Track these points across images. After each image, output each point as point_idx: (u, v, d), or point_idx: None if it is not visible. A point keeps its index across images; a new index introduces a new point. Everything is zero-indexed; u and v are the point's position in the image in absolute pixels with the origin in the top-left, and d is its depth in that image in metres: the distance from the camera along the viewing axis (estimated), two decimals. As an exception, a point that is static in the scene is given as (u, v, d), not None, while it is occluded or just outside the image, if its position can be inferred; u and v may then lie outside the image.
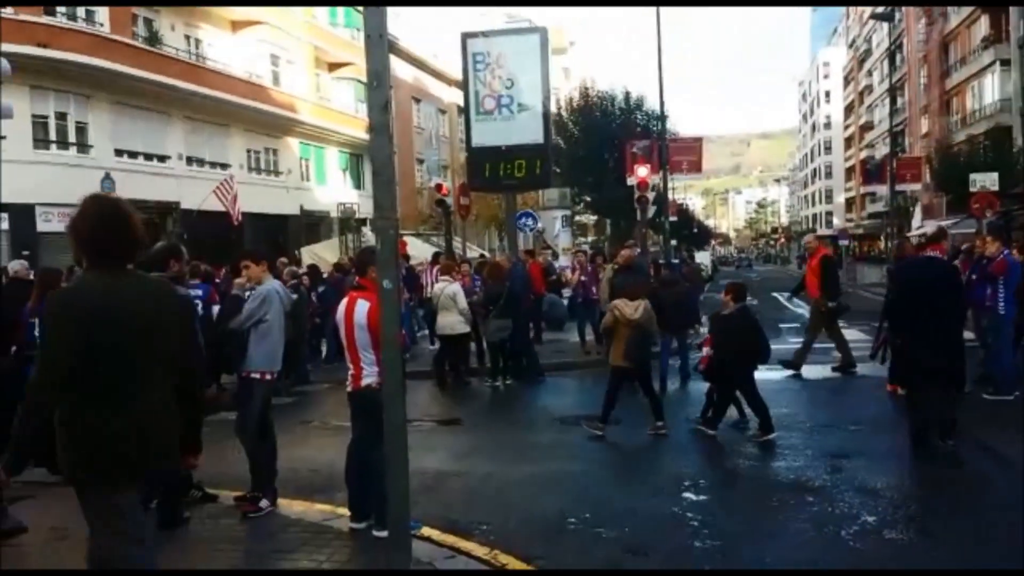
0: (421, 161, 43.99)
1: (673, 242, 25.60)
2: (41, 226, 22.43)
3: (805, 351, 12.72)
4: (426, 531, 5.69)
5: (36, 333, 7.39)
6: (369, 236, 31.50)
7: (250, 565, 5.26)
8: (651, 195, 21.54)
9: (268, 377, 6.44)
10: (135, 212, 3.53)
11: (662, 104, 25.09)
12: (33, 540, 5.77)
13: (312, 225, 34.41)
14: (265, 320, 6.35)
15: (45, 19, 22.53)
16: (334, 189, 36.36)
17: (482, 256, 26.51)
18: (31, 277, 8.70)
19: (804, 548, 5.50)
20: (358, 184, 39.48)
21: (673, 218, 30.27)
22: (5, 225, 20.75)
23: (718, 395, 9.04)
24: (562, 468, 7.99)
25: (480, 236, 40.44)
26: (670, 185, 27.69)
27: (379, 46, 4.49)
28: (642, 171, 21.08)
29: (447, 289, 12.38)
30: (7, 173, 19.62)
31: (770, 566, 5.19)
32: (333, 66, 37.54)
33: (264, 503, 6.27)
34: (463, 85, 16.21)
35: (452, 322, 12.36)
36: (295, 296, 10.24)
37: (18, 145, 20.71)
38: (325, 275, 16.81)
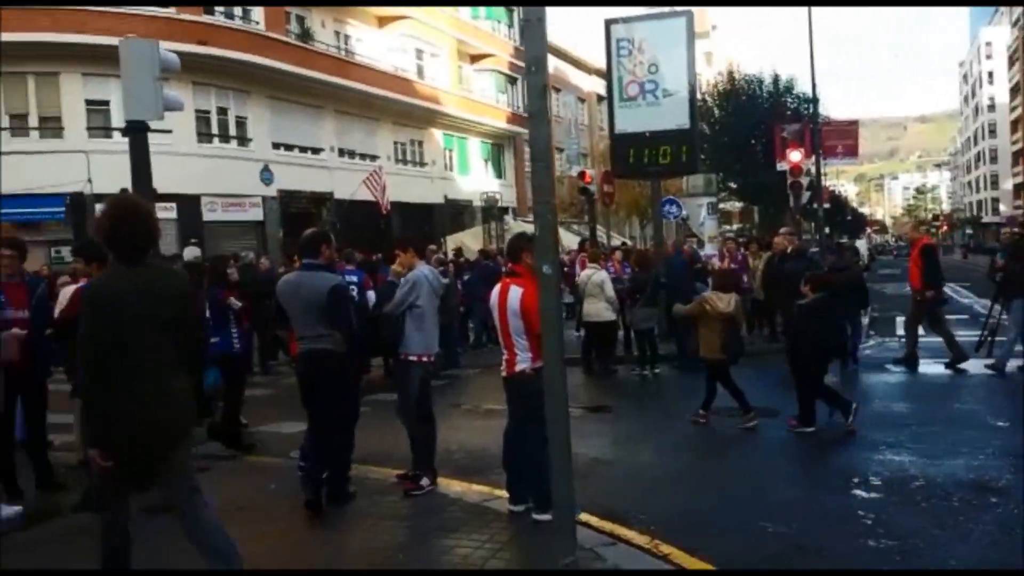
0: (560, 150, 43.94)
1: (826, 230, 24.51)
2: (206, 215, 23.82)
3: (911, 344, 12.13)
4: (584, 516, 5.64)
5: (208, 315, 7.85)
6: (512, 224, 31.81)
7: (413, 541, 5.36)
8: (804, 181, 20.70)
9: (425, 360, 6.55)
10: (152, 210, 4.03)
11: (814, 86, 24.03)
12: (211, 510, 6.08)
13: (456, 214, 35.07)
14: (417, 305, 6.46)
15: (205, 18, 23.81)
16: (477, 179, 36.91)
17: (624, 244, 26.24)
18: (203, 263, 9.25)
19: (992, 551, 5.11)
20: (499, 174, 39.94)
21: (826, 205, 29.00)
22: (174, 214, 22.13)
23: (801, 390, 8.57)
24: (717, 459, 7.79)
25: (622, 224, 40.07)
26: (823, 170, 26.53)
27: (538, 30, 4.44)
28: (795, 156, 20.30)
29: (594, 277, 12.32)
30: (174, 165, 20.95)
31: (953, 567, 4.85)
32: (475, 58, 38.05)
33: (424, 482, 6.39)
34: (606, 72, 16.06)
35: (598, 309, 12.29)
36: (446, 281, 10.45)
37: (183, 139, 22.07)
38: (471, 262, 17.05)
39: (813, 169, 22.21)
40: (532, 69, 4.42)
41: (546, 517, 5.27)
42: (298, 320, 5.97)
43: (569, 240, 26.31)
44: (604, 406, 10.36)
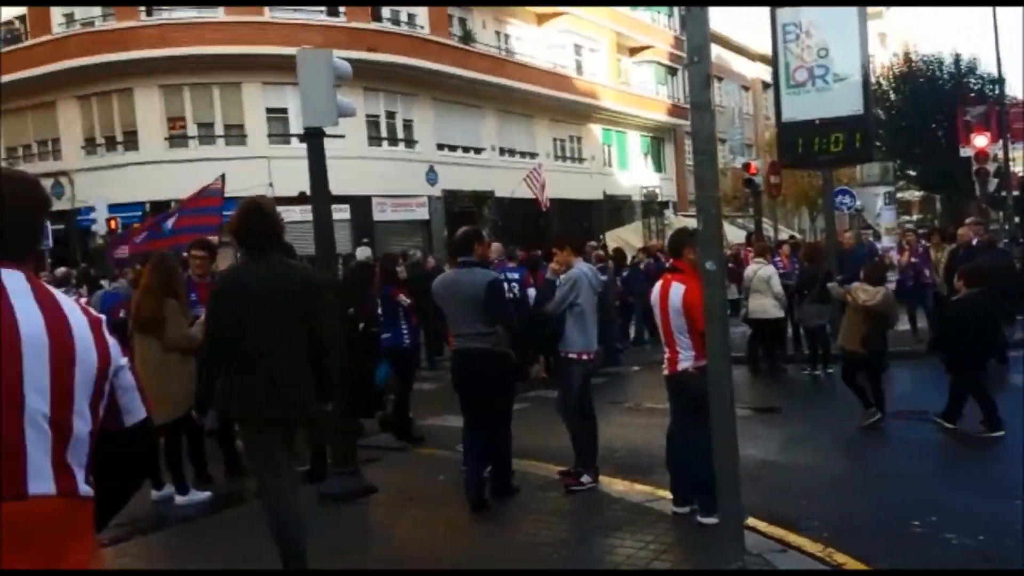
0: (723, 141, 42.76)
1: (1016, 219, 22.65)
2: (376, 215, 24.84)
3: None
4: (752, 521, 5.47)
5: (379, 311, 8.17)
6: (672, 219, 31.27)
7: (575, 539, 5.38)
8: (991, 167, 19.20)
9: (586, 357, 6.55)
10: (275, 211, 4.57)
11: (999, 65, 22.25)
12: (383, 499, 6.34)
13: (615, 209, 34.87)
14: (577, 304, 6.46)
15: (374, 25, 24.80)
16: (636, 173, 36.55)
17: (792, 237, 25.24)
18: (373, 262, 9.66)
19: None
20: (659, 167, 39.37)
21: (1015, 192, 26.80)
22: (347, 215, 23.18)
23: (953, 386, 8.08)
24: (895, 464, 7.36)
25: (790, 216, 38.61)
26: (1011, 155, 24.54)
27: (700, 18, 4.34)
28: (980, 140, 18.88)
29: (760, 272, 11.90)
30: (347, 168, 21.92)
31: None
32: (634, 50, 37.68)
33: (585, 478, 6.40)
34: (772, 58, 15.45)
35: (765, 305, 11.85)
36: (604, 278, 10.41)
37: (355, 142, 23.05)
38: (631, 259, 16.90)
39: (1000, 154, 20.57)
40: (694, 59, 4.33)
41: (712, 520, 5.15)
42: (455, 318, 6.02)
43: (733, 234, 25.59)
44: (772, 407, 10.01)
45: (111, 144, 24.41)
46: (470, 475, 6.03)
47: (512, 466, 6.32)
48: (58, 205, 23.62)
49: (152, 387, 6.00)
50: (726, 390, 4.39)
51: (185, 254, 7.89)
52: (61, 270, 14.12)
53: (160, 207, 22.92)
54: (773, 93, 15.62)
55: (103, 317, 2.12)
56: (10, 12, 25.76)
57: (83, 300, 8.78)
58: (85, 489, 1.96)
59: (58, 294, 2.05)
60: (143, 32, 22.90)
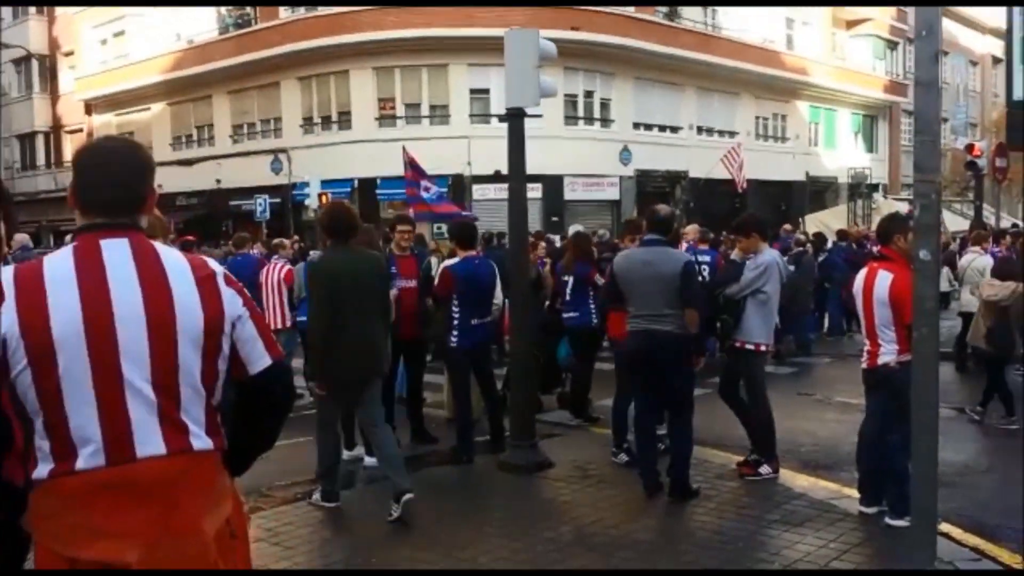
0: (945, 120, 39.63)
1: None
2: (568, 195, 25.06)
3: None
4: (945, 527, 5.13)
5: (569, 291, 8.24)
6: (880, 202, 29.38)
7: (752, 531, 5.24)
8: None
9: (764, 348, 6.36)
10: (352, 209, 6.12)
11: None
12: (559, 474, 6.47)
13: (818, 192, 33.24)
14: (763, 291, 6.21)
15: (578, 4, 24.82)
16: (844, 153, 34.57)
17: (1015, 226, 23.01)
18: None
19: None
20: (871, 148, 37.07)
21: None
22: (539, 194, 23.54)
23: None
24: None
25: (1015, 204, 35.25)
26: None
27: (931, -8, 4.04)
28: None
29: (976, 262, 10.95)
30: (543, 148, 22.14)
31: None
32: (851, 23, 35.54)
33: (765, 469, 6.23)
34: (1006, 32, 14.10)
35: (975, 299, 10.94)
36: (792, 268, 9.98)
37: (551, 122, 23.23)
38: (831, 244, 16.05)
39: None
40: (923, 33, 4.04)
41: (901, 523, 4.87)
42: (639, 298, 5.79)
43: (950, 220, 23.70)
44: (977, 408, 9.25)
45: (326, 123, 26.05)
46: (644, 460, 5.98)
47: (690, 462, 6.09)
48: (276, 180, 25.59)
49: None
50: (932, 395, 4.10)
51: (388, 229, 8.30)
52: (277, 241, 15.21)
53: (367, 183, 24.34)
54: (1004, 68, 14.28)
55: (217, 270, 2.15)
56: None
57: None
58: (202, 443, 2.05)
59: (166, 256, 2.09)
60: (361, 16, 24.18)
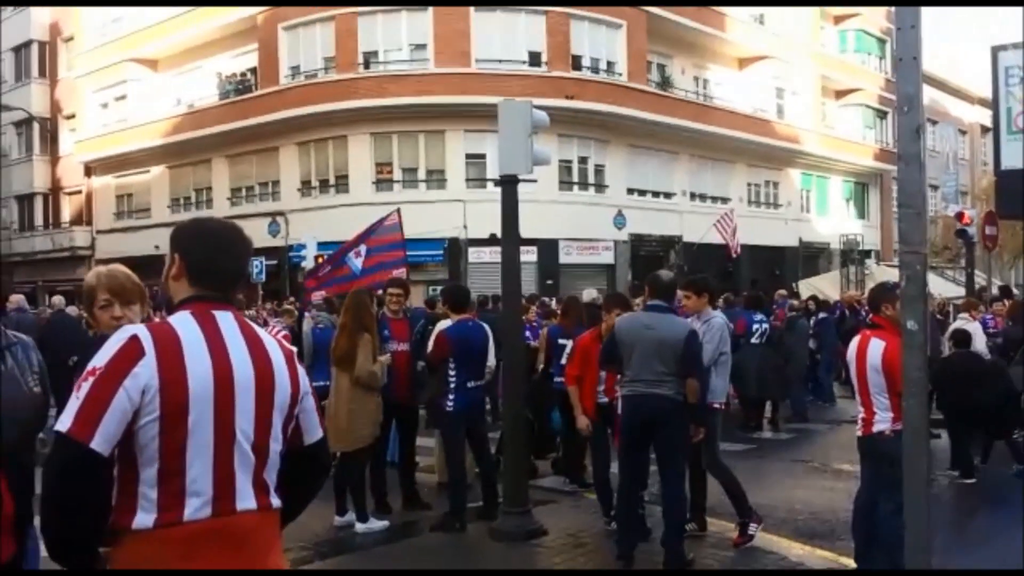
0: (935, 188, 40.20)
1: None
2: (563, 258, 25.20)
3: None
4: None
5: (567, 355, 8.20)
6: (873, 268, 29.62)
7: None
8: None
9: (718, 406, 6.46)
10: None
11: None
12: (552, 542, 6.37)
13: (811, 257, 33.48)
14: (724, 352, 6.40)
15: (573, 74, 25.37)
16: (836, 220, 34.95)
17: (1002, 288, 23.14)
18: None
19: None
20: (862, 214, 37.49)
21: None
22: (534, 257, 23.68)
23: None
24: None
25: (1005, 270, 35.56)
26: None
27: (912, 69, 4.13)
28: None
29: (964, 328, 11.02)
30: (537, 212, 22.40)
31: None
32: (840, 93, 36.26)
33: (753, 527, 6.21)
34: (992, 102, 14.45)
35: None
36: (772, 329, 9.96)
37: (546, 187, 23.52)
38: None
39: None
40: (904, 109, 4.13)
41: (897, 593, 4.80)
42: (638, 362, 5.73)
43: (942, 287, 23.85)
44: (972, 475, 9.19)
45: (324, 187, 26.30)
46: (623, 527, 5.90)
47: (685, 532, 6.03)
48: (273, 242, 25.71)
49: (343, 417, 6.48)
50: (923, 466, 4.08)
51: (381, 291, 8.32)
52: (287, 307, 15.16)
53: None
54: (992, 138, 14.56)
55: (295, 350, 2.42)
56: (241, 64, 28.50)
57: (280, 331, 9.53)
58: (276, 502, 2.26)
59: (258, 330, 2.31)
60: (360, 83, 24.62)
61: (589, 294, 15.37)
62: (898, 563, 4.74)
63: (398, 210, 12.94)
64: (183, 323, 2.18)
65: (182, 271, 2.28)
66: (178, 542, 2.06)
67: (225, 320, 2.23)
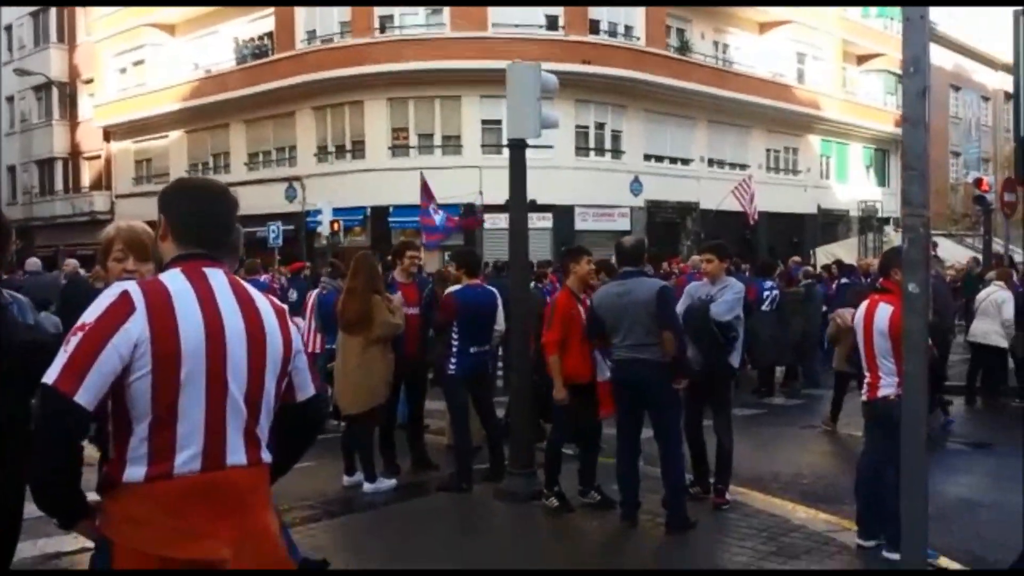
0: (957, 154, 39.63)
1: None
2: (579, 224, 25.13)
3: None
4: (943, 561, 5.09)
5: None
6: (892, 235, 29.31)
7: (753, 563, 5.21)
8: None
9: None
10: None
11: None
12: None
13: (829, 224, 33.22)
14: (739, 315, 6.37)
15: (590, 38, 25.12)
16: (855, 187, 34.62)
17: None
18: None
19: None
20: (882, 181, 37.08)
21: None
22: (549, 223, 23.65)
23: None
24: None
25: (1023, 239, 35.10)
26: None
27: (918, 29, 4.07)
28: None
29: (995, 295, 10.98)
30: (553, 178, 22.37)
31: None
32: (862, 59, 35.73)
33: (727, 495, 6.30)
34: (1013, 68, 14.15)
35: (987, 331, 10.90)
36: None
37: (562, 153, 23.46)
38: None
39: None
40: (911, 70, 4.08)
41: (897, 556, 4.83)
42: (619, 328, 5.80)
43: (961, 253, 23.58)
44: (986, 442, 9.19)
45: (340, 152, 26.31)
46: (626, 491, 5.93)
47: (687, 493, 6.09)
48: (290, 207, 25.81)
49: (355, 378, 6.54)
50: (920, 425, 4.10)
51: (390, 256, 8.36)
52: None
53: (380, 211, 24.54)
54: (1013, 105, 14.32)
55: (286, 307, 2.41)
56: (258, 29, 28.43)
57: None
58: (267, 456, 2.27)
59: (251, 290, 2.33)
60: (376, 48, 24.52)
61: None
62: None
63: (421, 173, 13.28)
64: (173, 279, 2.19)
65: (167, 231, 2.31)
66: (168, 497, 2.07)
67: (216, 277, 2.24)
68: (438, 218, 16.69)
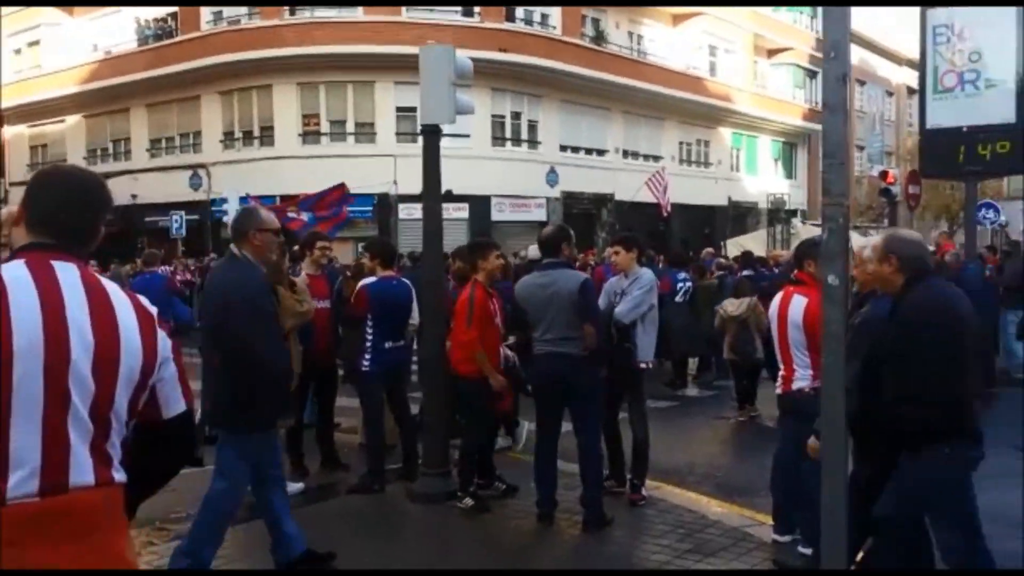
0: (861, 148, 41.03)
1: None
2: (495, 215, 24.98)
3: None
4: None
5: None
6: (799, 228, 30.09)
7: (669, 561, 5.12)
8: None
9: (644, 366, 6.34)
10: None
11: None
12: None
13: (739, 216, 33.92)
14: (652, 306, 6.26)
15: (507, 25, 24.94)
16: (764, 179, 35.44)
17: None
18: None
19: None
20: (790, 174, 38.07)
21: None
22: (465, 214, 23.41)
23: None
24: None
25: (927, 230, 36.57)
26: None
27: (839, 14, 4.01)
28: None
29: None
30: (469, 168, 22.14)
31: None
32: (772, 52, 36.55)
33: (643, 491, 6.22)
34: (919, 62, 14.60)
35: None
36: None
37: (479, 142, 23.24)
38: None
39: None
40: (831, 55, 4.00)
41: (811, 551, 4.80)
42: (542, 321, 5.67)
43: (862, 245, 24.33)
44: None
45: (248, 139, 25.49)
46: (543, 488, 5.80)
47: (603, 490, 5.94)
48: (194, 196, 24.92)
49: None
50: (839, 417, 4.04)
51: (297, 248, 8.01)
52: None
53: (289, 201, 23.83)
54: (919, 98, 14.75)
55: (155, 311, 2.14)
56: (162, 9, 27.29)
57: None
58: (119, 476, 2.02)
59: (111, 290, 2.05)
60: (286, 30, 23.79)
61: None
62: (816, 516, 4.75)
63: (342, 185, 12.87)
64: (12, 270, 1.93)
65: (21, 217, 2.07)
66: (4, 526, 1.80)
67: (66, 272, 1.98)
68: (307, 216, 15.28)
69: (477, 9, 24.82)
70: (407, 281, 6.97)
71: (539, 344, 5.75)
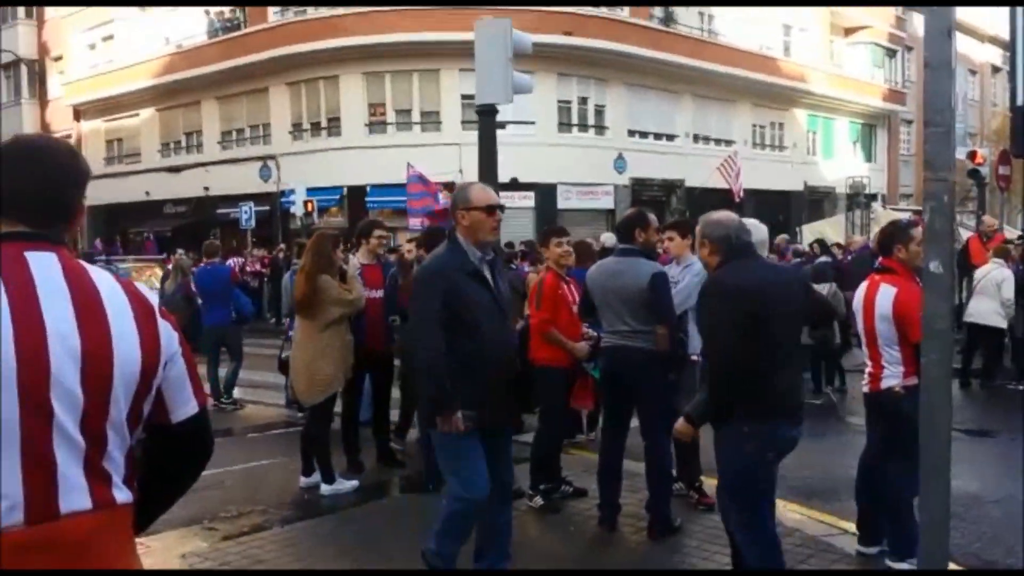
0: (945, 130, 39.32)
1: None
2: (561, 203, 24.55)
3: None
4: (953, 567, 4.59)
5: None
6: (879, 213, 28.85)
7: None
8: None
9: (696, 358, 5.83)
10: None
11: None
12: (534, 505, 5.92)
13: (815, 201, 32.80)
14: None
15: (571, 8, 24.40)
16: (842, 163, 34.13)
17: (1021, 237, 22.50)
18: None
19: None
20: (869, 157, 36.62)
21: None
22: (531, 203, 23.06)
23: None
24: None
25: (1015, 214, 34.83)
26: None
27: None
28: None
29: (994, 273, 10.52)
30: (535, 156, 21.81)
31: None
32: (849, 31, 35.17)
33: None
34: (1009, 36, 13.63)
35: (986, 311, 10.45)
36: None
37: (545, 129, 22.86)
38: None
39: None
40: (932, 6, 3.51)
41: (904, 566, 4.36)
42: (609, 312, 5.30)
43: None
44: (986, 429, 8.74)
45: (315, 129, 25.56)
46: (605, 492, 5.44)
47: (671, 495, 5.55)
48: (264, 187, 25.10)
49: (306, 365, 5.98)
50: (944, 426, 3.56)
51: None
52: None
53: (356, 191, 23.85)
54: (1008, 75, 13.81)
55: (156, 301, 1.87)
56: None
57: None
58: (123, 495, 1.77)
59: (101, 280, 1.77)
60: (350, 20, 23.72)
61: (609, 238, 14.64)
62: (906, 527, 4.32)
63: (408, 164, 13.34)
64: None
65: None
66: None
67: (43, 264, 1.70)
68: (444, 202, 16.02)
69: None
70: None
71: (605, 336, 5.42)
